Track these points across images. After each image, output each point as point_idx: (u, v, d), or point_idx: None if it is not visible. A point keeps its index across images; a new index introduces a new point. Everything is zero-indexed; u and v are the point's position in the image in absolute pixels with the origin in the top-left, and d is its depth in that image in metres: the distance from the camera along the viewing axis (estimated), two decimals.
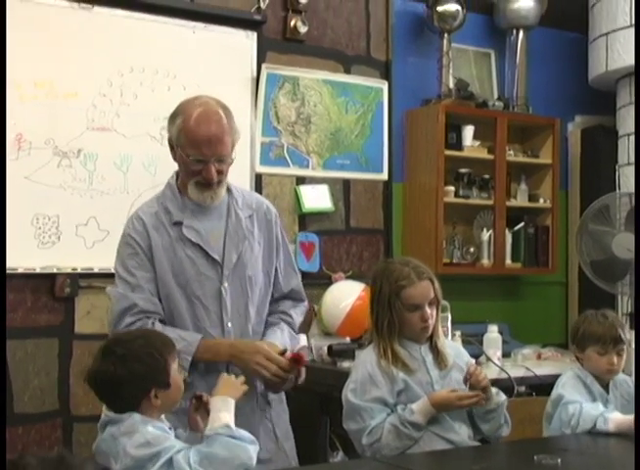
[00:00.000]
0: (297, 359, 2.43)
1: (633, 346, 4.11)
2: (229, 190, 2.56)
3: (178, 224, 2.47)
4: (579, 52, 4.93)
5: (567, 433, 2.82)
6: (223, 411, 2.03)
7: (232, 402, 2.07)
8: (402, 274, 2.76)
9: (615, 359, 2.94)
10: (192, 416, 2.17)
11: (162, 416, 2.12)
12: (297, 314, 2.69)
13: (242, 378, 2.18)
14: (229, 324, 2.48)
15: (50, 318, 3.56)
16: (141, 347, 2.04)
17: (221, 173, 2.43)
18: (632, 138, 4.68)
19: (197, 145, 2.38)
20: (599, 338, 2.93)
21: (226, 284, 2.48)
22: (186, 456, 1.92)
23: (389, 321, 2.73)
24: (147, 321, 2.40)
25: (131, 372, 2.00)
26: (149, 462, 1.90)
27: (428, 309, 2.77)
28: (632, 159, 4.67)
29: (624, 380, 3.08)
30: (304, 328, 3.66)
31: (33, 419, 3.47)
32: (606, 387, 3.00)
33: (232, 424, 2.00)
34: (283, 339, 2.56)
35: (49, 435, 3.50)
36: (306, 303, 2.77)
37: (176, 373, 2.08)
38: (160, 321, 2.44)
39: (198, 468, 1.90)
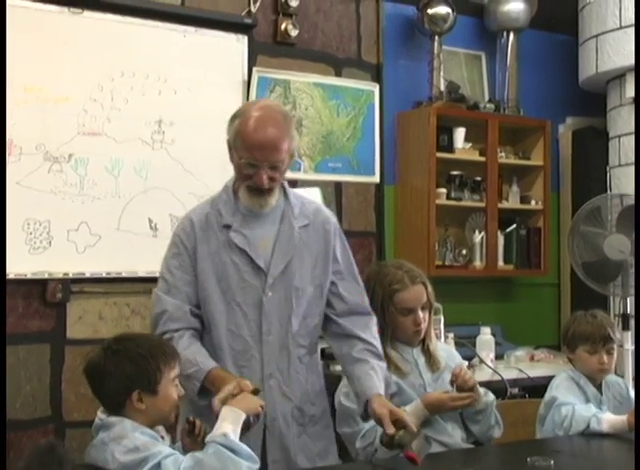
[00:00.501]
0: (411, 459, 2.24)
1: (625, 346, 4.12)
2: (286, 197, 2.50)
3: (227, 228, 2.42)
4: (569, 54, 4.94)
5: (560, 434, 2.83)
6: (227, 422, 2.00)
7: (241, 415, 2.03)
8: (396, 278, 2.77)
9: (605, 358, 2.96)
10: (184, 439, 2.17)
11: (161, 428, 2.11)
12: (375, 337, 2.55)
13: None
14: (269, 336, 2.41)
15: (42, 324, 3.55)
16: (136, 347, 2.06)
17: (273, 180, 2.37)
18: (623, 139, 4.69)
19: (250, 149, 2.33)
20: (588, 337, 2.95)
21: (269, 293, 2.41)
22: (177, 461, 1.92)
23: (382, 324, 2.73)
24: (170, 338, 2.35)
25: (118, 368, 2.02)
26: (136, 468, 1.90)
27: (420, 313, 2.78)
28: (623, 160, 4.68)
29: (616, 381, 3.10)
30: None
31: (25, 426, 3.45)
32: (599, 388, 3.01)
33: (232, 435, 1.97)
34: (379, 383, 2.43)
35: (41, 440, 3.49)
36: (374, 317, 2.61)
37: (170, 385, 2.08)
38: (194, 330, 2.40)
39: None
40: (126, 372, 2.02)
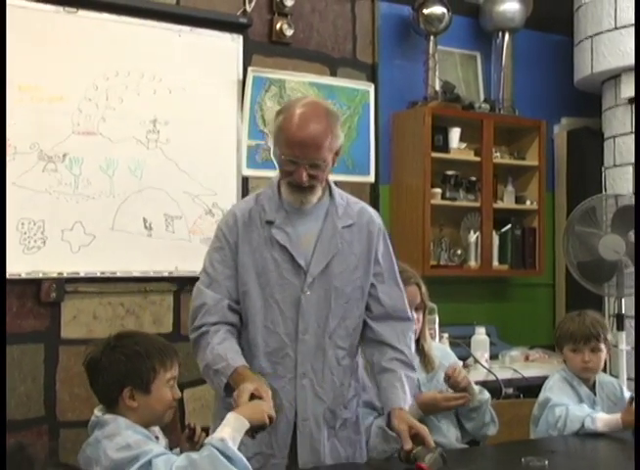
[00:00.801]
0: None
1: (620, 347, 4.13)
2: (332, 195, 2.47)
3: (270, 224, 2.41)
4: (565, 54, 4.94)
5: (554, 435, 2.83)
6: (229, 427, 1.98)
7: (244, 424, 2.01)
8: None
9: (587, 356, 2.96)
10: (183, 445, 2.18)
11: (157, 428, 2.11)
12: (409, 345, 2.53)
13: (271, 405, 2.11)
14: (305, 335, 2.39)
15: (36, 324, 3.54)
16: (134, 345, 2.07)
17: (314, 178, 2.35)
18: (618, 140, 4.69)
19: (291, 145, 2.32)
20: (571, 335, 2.97)
21: (308, 292, 2.39)
22: (168, 461, 1.92)
23: None
24: (207, 332, 2.36)
25: (113, 364, 2.04)
26: (128, 465, 1.91)
27: (414, 314, 2.78)
28: (618, 161, 4.69)
29: (610, 381, 3.10)
30: None
31: (19, 426, 3.44)
32: (593, 388, 3.01)
33: (230, 442, 1.94)
34: (403, 395, 2.41)
35: (35, 441, 3.48)
36: (413, 322, 2.62)
37: (164, 386, 2.08)
38: (231, 325, 2.40)
39: None
40: (119, 369, 2.04)
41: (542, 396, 2.98)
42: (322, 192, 2.45)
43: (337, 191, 2.51)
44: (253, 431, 2.07)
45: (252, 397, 2.12)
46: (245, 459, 1.96)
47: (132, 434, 1.97)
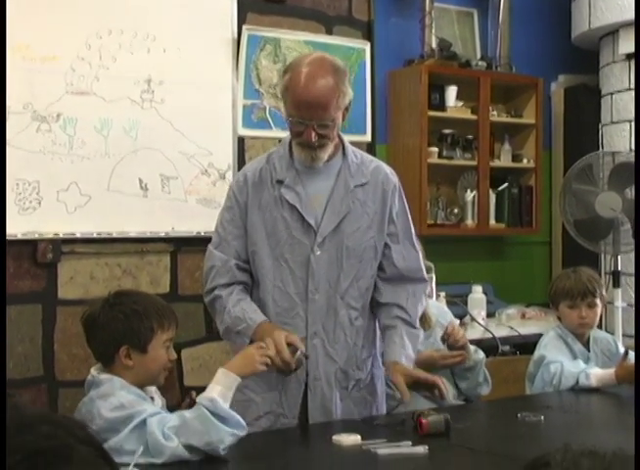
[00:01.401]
0: (420, 425, 2.20)
1: (616, 304, 4.15)
2: (345, 154, 2.44)
3: (280, 183, 2.39)
4: (562, 10, 4.90)
5: (549, 392, 2.85)
6: (219, 385, 1.99)
7: (234, 379, 2.01)
8: None
9: (584, 312, 2.97)
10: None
11: (153, 389, 2.11)
12: (416, 305, 2.50)
13: (266, 352, 2.10)
14: (316, 294, 2.37)
15: (33, 284, 3.54)
16: (132, 303, 2.07)
17: (324, 137, 2.31)
18: (615, 97, 4.67)
19: (298, 106, 2.28)
20: (567, 292, 2.98)
21: (318, 252, 2.36)
22: (162, 421, 1.92)
23: None
24: (220, 296, 2.38)
25: (110, 321, 2.04)
26: (122, 425, 1.92)
27: None
28: (615, 117, 4.67)
29: (605, 337, 3.13)
30: None
31: (18, 385, 3.46)
32: (586, 345, 3.03)
33: (220, 400, 1.94)
34: (402, 349, 2.41)
35: (34, 401, 3.50)
36: (427, 283, 2.59)
37: (161, 347, 2.08)
38: (244, 284, 2.41)
39: (169, 434, 1.89)
40: (117, 327, 2.04)
41: (537, 353, 3.00)
42: (334, 149, 2.42)
43: (350, 149, 2.48)
44: (285, 373, 2.16)
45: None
46: (237, 416, 1.96)
47: (126, 394, 1.98)
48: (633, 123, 4.55)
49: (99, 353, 2.09)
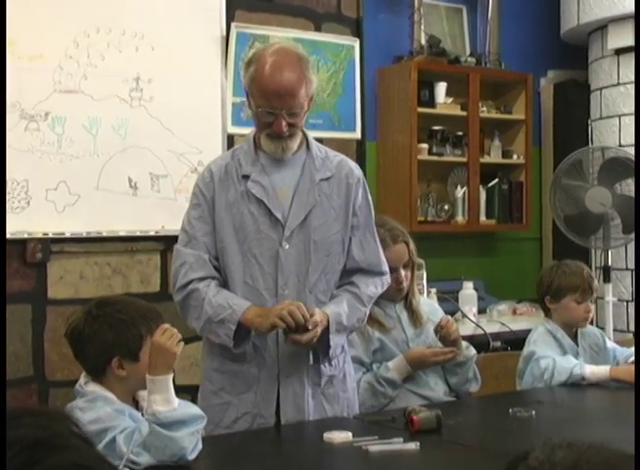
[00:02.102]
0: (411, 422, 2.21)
1: (606, 298, 4.16)
2: (309, 148, 2.44)
3: (246, 178, 2.38)
4: (551, 6, 4.90)
5: (539, 387, 2.86)
6: (154, 394, 1.91)
7: (164, 379, 1.91)
8: (380, 238, 2.77)
9: (589, 307, 3.03)
10: None
11: (142, 393, 2.04)
12: (368, 285, 2.46)
13: (174, 336, 1.96)
14: (285, 290, 2.35)
15: (22, 284, 3.53)
16: (117, 313, 2.02)
17: (293, 126, 2.32)
18: (604, 92, 4.68)
19: (266, 96, 2.28)
20: (578, 287, 3.01)
21: (286, 246, 2.35)
22: (129, 437, 1.87)
23: None
24: (196, 289, 2.34)
25: (97, 334, 1.99)
26: (96, 438, 1.87)
27: (402, 272, 2.78)
28: (604, 113, 4.68)
29: (592, 332, 3.15)
30: None
31: (8, 385, 3.44)
32: (574, 339, 3.06)
33: (163, 409, 1.87)
34: (338, 309, 2.37)
35: (24, 401, 3.49)
36: (387, 277, 2.53)
37: None
38: (217, 280, 2.37)
39: (139, 451, 1.85)
40: (106, 339, 1.99)
41: (526, 349, 3.01)
42: (299, 143, 2.43)
43: (314, 143, 2.48)
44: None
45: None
46: (189, 409, 1.91)
47: (104, 407, 1.93)
48: (623, 118, 4.56)
49: (89, 367, 2.03)
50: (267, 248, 2.36)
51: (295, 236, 2.37)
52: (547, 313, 3.11)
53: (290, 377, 2.37)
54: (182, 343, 1.96)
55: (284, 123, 2.29)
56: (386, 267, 2.52)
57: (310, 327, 2.24)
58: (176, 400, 1.91)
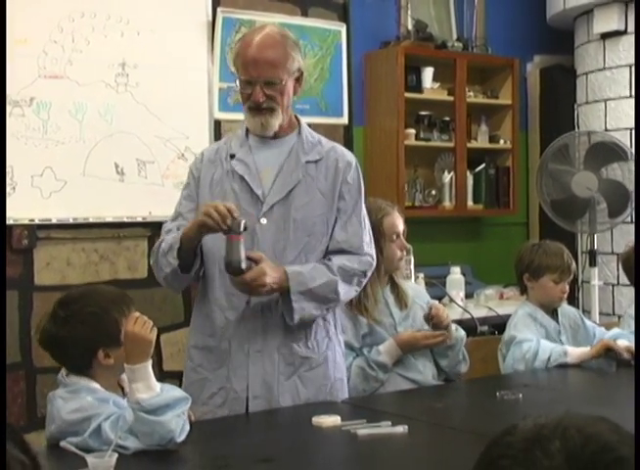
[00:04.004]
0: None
1: (592, 282, 4.18)
2: (300, 132, 2.46)
3: (232, 157, 2.44)
4: None
5: (520, 369, 2.88)
6: (135, 383, 1.90)
7: (142, 367, 1.90)
8: (379, 206, 2.82)
9: (566, 287, 3.07)
10: None
11: (124, 376, 2.03)
12: (342, 259, 2.41)
13: (146, 323, 1.96)
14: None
15: (9, 270, 3.50)
16: (84, 307, 2.00)
17: (272, 99, 2.35)
18: (590, 76, 4.68)
19: (245, 66, 2.36)
20: (557, 267, 3.06)
21: (264, 221, 2.37)
22: (114, 423, 1.88)
23: (377, 259, 2.72)
24: (164, 239, 2.40)
25: (74, 334, 1.98)
26: (79, 426, 1.88)
27: (403, 239, 2.85)
28: (590, 97, 4.69)
29: (570, 311, 3.23)
30: None
31: None
32: (554, 318, 3.11)
33: (146, 396, 1.87)
34: (299, 269, 2.34)
35: (12, 387, 3.48)
36: (369, 257, 2.45)
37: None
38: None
39: (126, 435, 1.86)
40: (84, 336, 1.98)
41: (507, 334, 3.04)
42: (289, 126, 2.45)
43: (307, 129, 2.50)
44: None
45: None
46: (172, 392, 1.91)
47: (86, 396, 1.94)
48: (609, 103, 4.57)
49: (72, 366, 2.01)
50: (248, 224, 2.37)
51: (274, 212, 2.38)
52: (524, 291, 3.16)
53: (260, 352, 2.36)
54: (155, 329, 1.96)
55: (260, 93, 2.34)
56: (369, 249, 2.47)
57: (245, 266, 2.23)
58: (158, 385, 1.92)
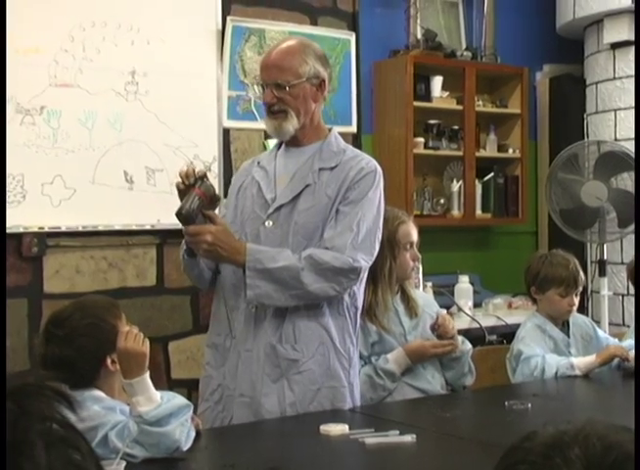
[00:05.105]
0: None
1: (602, 292, 4.16)
2: (325, 141, 2.47)
3: (258, 164, 2.54)
4: (547, 0, 4.90)
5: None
6: (135, 396, 1.90)
7: (141, 379, 1.91)
8: (396, 214, 2.83)
9: (574, 300, 3.02)
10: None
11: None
12: (314, 250, 2.33)
13: (137, 336, 1.96)
14: None
15: (18, 278, 3.52)
16: (81, 320, 2.00)
17: (282, 101, 2.40)
18: (600, 86, 4.68)
19: (260, 71, 2.47)
20: (562, 281, 3.00)
21: (269, 223, 2.41)
22: (121, 431, 1.87)
23: (390, 266, 2.71)
24: None
25: (79, 349, 1.98)
26: (86, 435, 1.86)
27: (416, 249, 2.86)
28: (600, 107, 4.68)
29: (582, 321, 3.16)
30: None
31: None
32: (563, 330, 3.06)
33: (147, 408, 1.87)
34: (260, 248, 2.33)
35: None
36: (351, 261, 2.33)
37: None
38: None
39: (133, 445, 1.85)
40: (89, 348, 1.98)
41: (515, 347, 3.01)
42: (315, 135, 2.48)
43: (335, 139, 2.50)
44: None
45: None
46: (174, 400, 1.91)
47: (92, 405, 1.93)
48: (619, 112, 4.56)
49: (79, 382, 1.99)
50: (254, 227, 2.44)
51: (280, 216, 2.41)
52: (535, 301, 3.13)
53: (250, 352, 2.38)
54: (147, 340, 1.96)
55: (270, 95, 2.41)
56: (352, 252, 2.34)
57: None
58: (158, 395, 1.91)
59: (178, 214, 2.29)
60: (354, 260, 2.34)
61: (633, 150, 4.19)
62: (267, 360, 2.37)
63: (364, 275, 2.45)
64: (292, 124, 2.42)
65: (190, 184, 2.30)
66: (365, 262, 2.38)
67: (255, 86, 2.53)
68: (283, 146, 2.53)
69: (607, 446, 0.79)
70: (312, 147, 2.48)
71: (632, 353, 2.86)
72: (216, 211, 2.43)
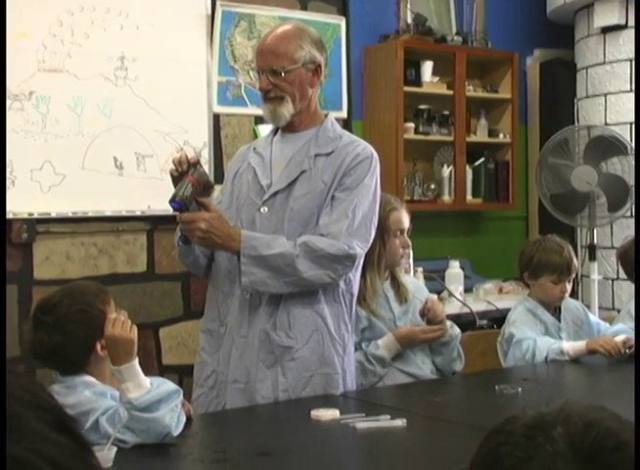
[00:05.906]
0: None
1: (592, 277, 4.18)
2: (321, 127, 2.45)
3: (254, 150, 2.54)
4: None
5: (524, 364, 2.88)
6: (125, 382, 1.89)
7: (129, 368, 1.90)
8: (387, 200, 2.82)
9: (566, 287, 3.02)
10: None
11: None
12: (309, 237, 2.33)
13: (124, 323, 1.96)
14: None
15: (8, 264, 3.50)
16: (69, 306, 1.99)
17: (278, 88, 2.39)
18: (590, 71, 4.68)
19: (256, 56, 2.46)
20: (556, 268, 3.00)
21: (264, 209, 2.40)
22: (112, 417, 1.87)
23: (379, 252, 2.73)
24: None
25: (68, 335, 1.97)
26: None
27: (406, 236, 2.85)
28: (590, 92, 4.68)
29: (574, 306, 3.17)
30: None
31: None
32: (554, 314, 3.07)
33: (136, 395, 1.87)
34: (255, 235, 2.33)
35: None
36: (346, 247, 2.32)
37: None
38: None
39: (125, 430, 1.85)
40: (78, 334, 1.98)
41: (506, 330, 3.01)
42: (311, 120, 2.47)
43: (332, 125, 2.49)
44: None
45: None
46: (164, 387, 1.91)
47: (83, 390, 1.94)
48: (609, 97, 4.57)
49: (69, 368, 2.00)
50: (249, 213, 2.43)
51: (276, 203, 2.40)
52: (527, 286, 3.14)
53: (244, 338, 2.38)
54: (135, 326, 1.96)
55: (265, 81, 2.40)
56: (348, 240, 2.34)
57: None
58: (148, 382, 1.91)
59: (171, 202, 2.28)
60: (350, 247, 2.34)
61: (623, 134, 4.19)
62: (262, 347, 2.37)
63: (360, 262, 2.44)
64: (287, 110, 2.41)
65: (183, 171, 2.29)
66: (360, 249, 2.38)
67: (251, 72, 2.52)
68: (279, 131, 2.51)
69: (587, 424, 0.82)
70: (308, 133, 2.47)
71: (619, 339, 2.85)
72: (212, 197, 2.44)
